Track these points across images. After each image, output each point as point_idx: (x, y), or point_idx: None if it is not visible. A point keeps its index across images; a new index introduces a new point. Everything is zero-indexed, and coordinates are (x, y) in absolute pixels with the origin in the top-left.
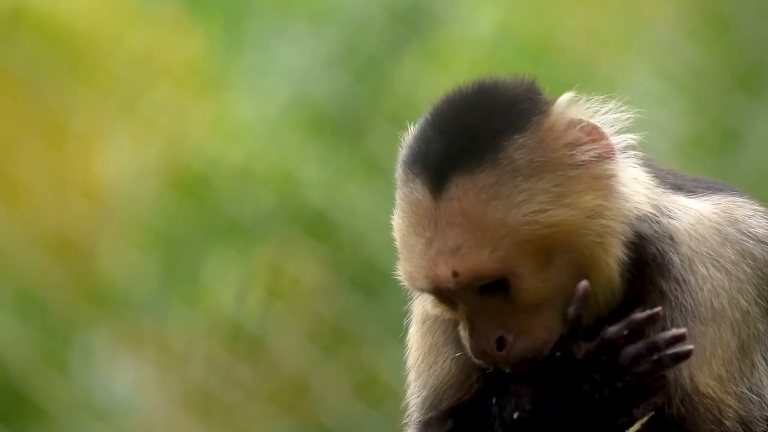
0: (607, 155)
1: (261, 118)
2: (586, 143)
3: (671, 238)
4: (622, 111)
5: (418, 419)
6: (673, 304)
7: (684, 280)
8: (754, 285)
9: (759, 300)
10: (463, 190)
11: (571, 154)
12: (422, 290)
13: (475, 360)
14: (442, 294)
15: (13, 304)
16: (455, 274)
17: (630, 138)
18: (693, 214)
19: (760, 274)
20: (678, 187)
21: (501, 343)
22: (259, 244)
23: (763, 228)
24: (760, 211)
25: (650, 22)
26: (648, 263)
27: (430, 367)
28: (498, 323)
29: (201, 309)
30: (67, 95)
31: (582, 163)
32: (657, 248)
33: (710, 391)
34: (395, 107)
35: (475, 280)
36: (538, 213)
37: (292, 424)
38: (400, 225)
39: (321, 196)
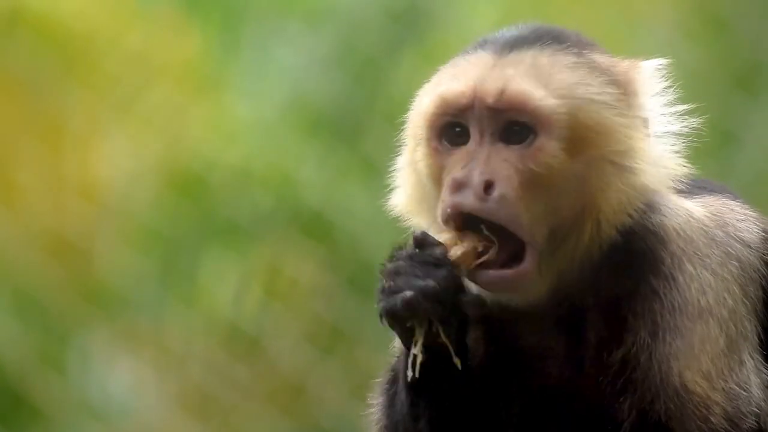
0: (654, 127)
1: (258, 119)
2: (647, 104)
3: (660, 235)
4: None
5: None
6: (663, 301)
7: (673, 278)
8: (740, 285)
9: (745, 300)
10: (542, 54)
11: (638, 100)
12: (443, 110)
13: (447, 198)
14: (458, 121)
15: (11, 304)
16: (501, 92)
17: (674, 124)
18: (683, 214)
19: (746, 275)
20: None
21: (487, 185)
22: (257, 245)
23: (752, 233)
24: (752, 216)
25: (647, 23)
26: (637, 258)
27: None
28: (497, 169)
29: (198, 309)
30: (64, 95)
31: (638, 114)
32: (646, 244)
33: (698, 389)
34: (393, 108)
35: (516, 106)
36: (601, 105)
37: (289, 424)
38: (440, 74)
39: (318, 196)
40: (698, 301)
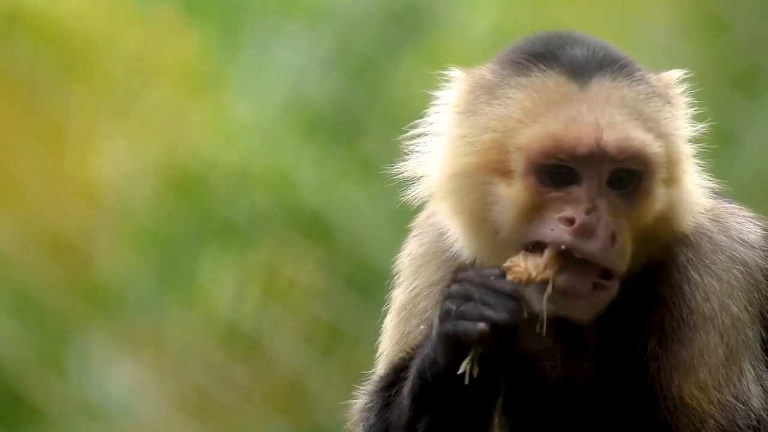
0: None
1: (257, 119)
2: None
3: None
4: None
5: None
6: (671, 311)
7: (679, 288)
8: (745, 291)
9: (749, 307)
10: (619, 83)
11: (678, 111)
12: (554, 153)
13: (565, 237)
14: (567, 165)
15: (10, 304)
16: (624, 142)
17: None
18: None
19: (752, 280)
20: None
21: (613, 237)
22: (255, 245)
23: (754, 233)
24: (751, 217)
25: (646, 23)
26: (648, 267)
27: (399, 348)
28: (617, 222)
29: (197, 310)
30: (63, 96)
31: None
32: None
33: (693, 402)
34: (391, 108)
35: (637, 157)
36: (677, 135)
37: (288, 424)
38: (523, 99)
39: (317, 197)
40: (702, 309)
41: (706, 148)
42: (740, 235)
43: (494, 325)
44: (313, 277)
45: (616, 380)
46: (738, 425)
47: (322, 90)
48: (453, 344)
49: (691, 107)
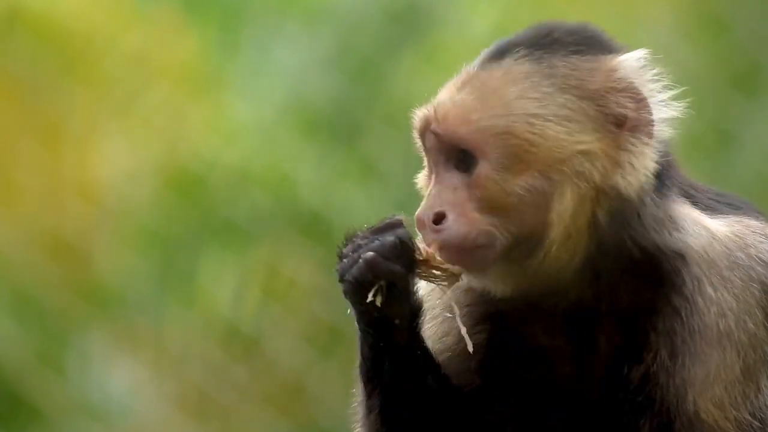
0: (639, 129)
1: (257, 119)
2: (626, 104)
3: (682, 255)
4: (675, 106)
5: None
6: (684, 322)
7: (693, 300)
8: (762, 308)
9: (767, 323)
10: (500, 68)
11: (607, 100)
12: (416, 131)
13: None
14: (424, 145)
15: (9, 304)
16: (444, 118)
17: (670, 131)
18: (705, 235)
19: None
20: (696, 202)
21: (438, 217)
22: (255, 245)
23: None
24: None
25: (646, 23)
26: (658, 275)
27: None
28: (448, 199)
29: (197, 310)
30: (63, 96)
31: (609, 113)
32: (670, 263)
33: (709, 418)
34: (391, 108)
35: (450, 133)
36: (538, 118)
37: (288, 425)
38: None
39: (317, 197)
40: (717, 325)
41: (706, 148)
42: (759, 255)
43: (382, 249)
44: (313, 277)
45: (626, 388)
46: None
47: (322, 90)
48: (358, 294)
49: (657, 88)
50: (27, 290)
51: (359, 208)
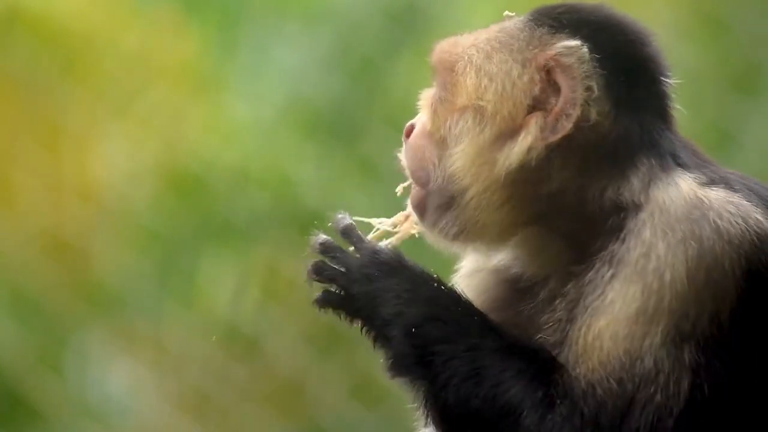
0: (549, 117)
1: (256, 119)
2: (545, 87)
3: (640, 206)
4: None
5: None
6: (611, 260)
7: (625, 240)
8: (689, 267)
9: (687, 280)
10: (508, 22)
11: (537, 77)
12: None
13: None
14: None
15: (9, 304)
16: (437, 47)
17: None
18: (672, 191)
19: (702, 261)
20: (684, 165)
21: (409, 129)
22: (255, 245)
23: (734, 227)
24: (751, 216)
25: (646, 23)
26: (607, 228)
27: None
28: (426, 114)
29: (196, 310)
30: (62, 96)
31: (532, 89)
32: (620, 216)
33: (597, 344)
34: (391, 108)
35: (432, 57)
36: (473, 66)
37: (287, 425)
38: None
39: (316, 197)
40: (636, 262)
41: (705, 148)
42: (716, 220)
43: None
44: None
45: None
46: (640, 379)
47: (322, 90)
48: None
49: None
50: (26, 290)
51: (359, 208)
